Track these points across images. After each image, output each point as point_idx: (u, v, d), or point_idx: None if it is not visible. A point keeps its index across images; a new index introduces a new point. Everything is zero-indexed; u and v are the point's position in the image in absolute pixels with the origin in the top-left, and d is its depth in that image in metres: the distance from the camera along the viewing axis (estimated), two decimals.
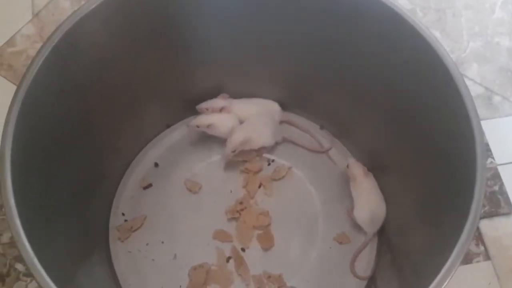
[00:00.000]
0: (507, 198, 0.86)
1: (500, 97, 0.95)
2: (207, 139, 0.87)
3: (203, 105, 0.85)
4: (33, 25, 0.97)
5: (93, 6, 0.62)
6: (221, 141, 0.84)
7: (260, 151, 0.86)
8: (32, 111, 0.58)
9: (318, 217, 0.83)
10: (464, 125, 0.59)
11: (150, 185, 0.85)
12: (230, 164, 0.86)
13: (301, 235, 0.82)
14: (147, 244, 0.80)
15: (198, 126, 0.83)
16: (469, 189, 0.56)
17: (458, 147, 0.61)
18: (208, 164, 0.86)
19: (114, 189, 0.84)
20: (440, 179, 0.66)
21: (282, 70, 0.83)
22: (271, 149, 0.87)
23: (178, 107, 0.87)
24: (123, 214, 0.82)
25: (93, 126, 0.73)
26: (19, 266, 0.79)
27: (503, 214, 0.85)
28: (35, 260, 0.52)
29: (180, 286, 0.78)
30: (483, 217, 0.85)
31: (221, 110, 0.84)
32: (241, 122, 0.85)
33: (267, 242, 0.80)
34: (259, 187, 0.85)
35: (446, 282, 0.53)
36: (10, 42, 0.96)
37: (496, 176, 0.88)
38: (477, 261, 0.82)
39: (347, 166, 0.81)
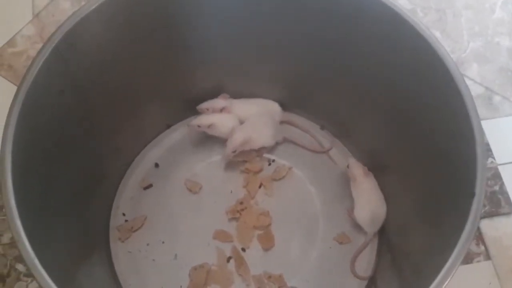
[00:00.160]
0: (508, 198, 0.86)
1: (500, 97, 0.95)
2: (208, 139, 0.87)
3: (203, 105, 0.85)
4: (34, 26, 0.98)
5: (94, 7, 0.63)
6: (222, 141, 0.85)
7: (260, 151, 0.86)
8: (33, 111, 0.59)
9: (319, 217, 0.83)
10: (465, 125, 0.59)
11: (150, 185, 0.85)
12: (230, 164, 0.86)
13: (302, 235, 0.82)
14: (147, 244, 0.80)
15: (199, 126, 0.83)
16: (470, 189, 0.56)
17: (458, 147, 0.61)
18: (209, 164, 0.86)
19: (115, 189, 0.84)
20: (440, 179, 0.66)
21: (282, 70, 0.83)
22: (271, 149, 0.87)
23: (179, 107, 0.87)
24: (123, 214, 0.83)
25: (93, 127, 0.73)
26: (20, 267, 0.79)
27: (504, 214, 0.85)
28: (36, 261, 0.52)
29: (181, 286, 0.78)
30: (483, 217, 0.85)
31: (221, 110, 0.84)
32: (241, 122, 0.85)
33: (267, 242, 0.81)
34: (260, 187, 0.85)
35: (446, 282, 0.53)
36: (11, 42, 0.96)
37: (497, 176, 0.88)
38: (478, 261, 0.82)
39: (348, 166, 0.81)
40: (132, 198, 0.84)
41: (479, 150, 0.57)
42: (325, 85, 0.82)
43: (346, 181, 0.83)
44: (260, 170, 0.86)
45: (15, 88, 0.58)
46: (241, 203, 0.83)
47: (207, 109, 0.84)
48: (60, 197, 0.66)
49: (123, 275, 0.78)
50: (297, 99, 0.88)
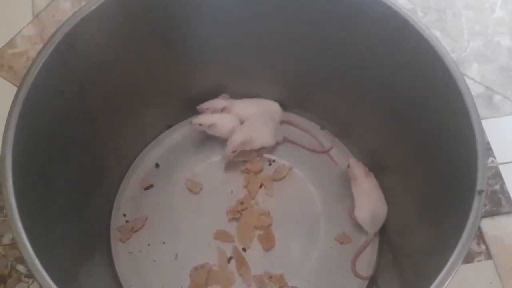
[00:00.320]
0: (508, 197, 0.86)
1: (500, 96, 0.95)
2: (208, 140, 0.87)
3: (204, 105, 0.85)
4: (34, 27, 0.98)
5: (94, 7, 0.63)
6: (222, 141, 0.85)
7: (260, 151, 0.86)
8: (33, 112, 0.59)
9: (319, 217, 0.83)
10: (465, 124, 0.59)
11: (151, 186, 0.85)
12: (230, 165, 0.86)
13: (302, 235, 0.82)
14: (148, 245, 0.80)
15: (200, 125, 0.83)
16: (470, 188, 0.56)
17: (459, 146, 0.61)
18: (209, 164, 0.86)
19: (115, 190, 0.84)
20: (441, 179, 0.66)
21: (282, 70, 0.83)
22: (271, 149, 0.87)
23: (179, 108, 0.87)
24: (124, 215, 0.83)
25: (93, 127, 0.73)
26: (21, 268, 0.79)
27: (504, 213, 0.85)
28: (36, 261, 0.52)
29: (182, 287, 0.78)
30: (484, 216, 0.85)
31: (222, 110, 0.84)
32: (241, 122, 0.85)
33: (268, 242, 0.81)
34: (260, 187, 0.85)
35: (447, 282, 0.53)
36: (11, 43, 0.96)
37: (497, 175, 0.88)
38: (479, 260, 0.82)
39: (348, 166, 0.81)
40: (132, 199, 0.84)
41: (479, 150, 0.57)
42: (325, 85, 0.82)
43: (346, 181, 0.83)
44: (261, 170, 0.86)
45: (15, 89, 0.58)
46: (242, 203, 0.83)
47: (207, 109, 0.84)
48: (61, 198, 0.66)
49: (124, 275, 0.78)
50: (297, 99, 0.88)
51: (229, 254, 0.80)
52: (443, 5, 1.03)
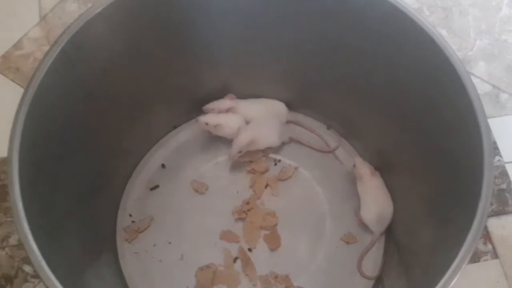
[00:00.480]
0: None
1: (507, 95, 0.95)
2: (214, 140, 0.87)
3: (209, 106, 0.85)
4: (40, 28, 0.98)
5: (100, 9, 0.63)
6: (228, 141, 0.85)
7: (266, 151, 0.86)
8: (40, 113, 0.59)
9: (325, 217, 0.83)
10: (471, 123, 0.59)
11: (157, 186, 0.85)
12: (236, 165, 0.86)
13: (308, 235, 0.82)
14: (154, 245, 0.81)
15: (207, 124, 0.83)
16: (477, 187, 0.56)
17: (465, 145, 0.60)
18: (215, 164, 0.87)
19: (121, 190, 0.85)
20: (447, 178, 0.66)
21: (288, 71, 0.83)
22: (277, 149, 0.87)
23: (185, 108, 0.88)
24: (130, 215, 0.83)
25: (100, 128, 0.73)
26: (27, 268, 0.79)
27: (511, 213, 0.85)
28: (43, 262, 0.52)
29: (187, 287, 0.78)
30: (490, 215, 0.84)
31: (227, 110, 0.84)
32: (247, 122, 0.85)
33: (274, 243, 0.81)
34: (266, 187, 0.85)
35: (453, 281, 0.53)
36: (18, 45, 0.97)
37: (504, 174, 0.87)
38: (485, 260, 0.82)
39: (354, 166, 0.81)
40: (138, 199, 0.84)
41: (486, 148, 0.57)
42: (331, 85, 0.82)
43: (352, 180, 0.83)
44: (266, 170, 0.86)
45: (22, 90, 0.58)
46: (248, 203, 0.83)
47: (213, 110, 0.84)
48: (67, 199, 0.66)
49: (130, 275, 0.79)
50: (303, 99, 0.88)
51: (235, 254, 0.80)
52: (449, 3, 1.02)
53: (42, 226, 0.56)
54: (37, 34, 0.98)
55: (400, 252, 0.76)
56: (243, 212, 0.82)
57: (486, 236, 0.83)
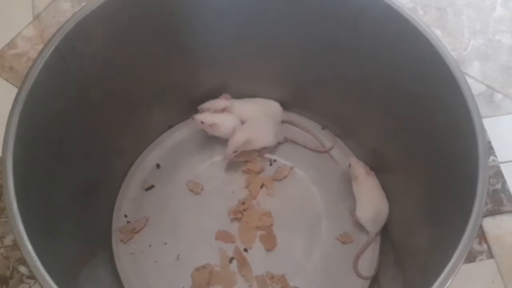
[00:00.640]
0: (510, 196, 0.86)
1: (501, 95, 0.95)
2: (209, 140, 0.87)
3: (205, 105, 0.85)
4: (34, 27, 0.98)
5: (94, 8, 0.63)
6: (223, 141, 0.84)
7: (261, 151, 0.86)
8: (34, 113, 0.59)
9: (321, 217, 0.83)
10: (466, 123, 0.59)
11: (152, 187, 0.85)
12: (232, 165, 0.86)
13: (304, 235, 0.82)
14: (150, 246, 0.80)
15: (202, 122, 0.83)
16: (472, 187, 0.56)
17: (460, 145, 0.61)
18: (210, 165, 0.86)
19: (116, 190, 0.84)
20: (442, 178, 0.66)
21: (283, 70, 0.83)
22: (272, 149, 0.87)
23: (180, 108, 0.87)
24: (125, 216, 0.82)
25: (94, 128, 0.73)
26: (22, 269, 0.79)
27: (506, 212, 0.85)
28: (38, 263, 0.52)
29: (183, 287, 0.78)
30: (486, 215, 0.85)
31: (223, 110, 0.84)
32: (242, 122, 0.85)
33: (269, 243, 0.80)
34: (261, 187, 0.85)
35: (449, 281, 0.53)
36: (11, 44, 0.96)
37: (499, 174, 0.88)
38: (481, 259, 0.82)
39: (349, 166, 0.81)
40: (134, 199, 0.84)
41: (480, 148, 0.57)
42: (326, 85, 0.82)
43: (348, 180, 0.83)
44: (262, 170, 0.86)
45: (16, 90, 0.58)
46: (243, 203, 0.83)
47: (208, 109, 0.84)
48: (62, 199, 0.66)
49: (125, 276, 0.78)
50: (298, 99, 0.88)
51: (230, 255, 0.80)
52: (443, 3, 1.03)
53: (37, 227, 0.55)
54: (31, 33, 0.97)
55: (395, 252, 0.76)
56: (239, 212, 0.82)
57: (482, 236, 0.83)
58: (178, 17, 0.71)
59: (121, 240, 0.80)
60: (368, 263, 0.80)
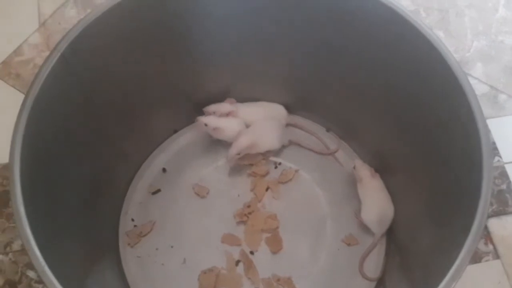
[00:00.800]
0: None
1: (505, 96, 0.95)
2: (214, 144, 0.87)
3: (210, 108, 0.85)
4: (40, 34, 0.98)
5: (99, 15, 0.63)
6: (228, 145, 0.84)
7: (266, 154, 0.86)
8: (40, 119, 0.59)
9: (326, 219, 0.83)
10: (470, 124, 0.59)
11: (158, 190, 0.85)
12: (237, 168, 0.86)
13: (309, 238, 0.82)
14: (156, 249, 0.81)
15: (206, 125, 0.83)
16: (476, 188, 0.56)
17: (464, 146, 0.61)
18: (216, 168, 0.87)
19: (123, 195, 0.85)
20: (447, 179, 0.66)
21: (288, 74, 0.83)
22: (277, 152, 0.87)
23: (185, 112, 0.88)
24: (132, 220, 0.83)
25: (100, 133, 0.74)
26: (31, 273, 0.79)
27: (511, 213, 0.85)
28: (46, 268, 0.52)
29: None
30: (491, 216, 0.84)
31: (228, 114, 0.84)
32: (247, 126, 0.85)
33: (275, 245, 0.81)
34: (267, 190, 0.85)
35: (455, 282, 0.53)
36: (18, 51, 0.97)
37: (504, 175, 0.88)
38: (486, 260, 0.82)
39: (354, 168, 0.82)
40: (140, 203, 0.84)
41: (485, 149, 0.57)
42: (330, 87, 0.82)
43: (352, 182, 0.83)
44: (267, 173, 0.86)
45: (22, 96, 0.58)
46: (249, 206, 0.83)
47: (214, 112, 0.85)
48: (69, 204, 0.67)
49: (132, 280, 0.79)
50: (302, 101, 0.89)
51: (237, 258, 0.80)
52: (446, 5, 1.03)
53: (44, 231, 0.56)
54: (37, 40, 0.98)
55: (401, 253, 0.76)
56: (244, 215, 0.82)
57: (487, 237, 0.83)
58: (181, 24, 0.71)
59: (128, 244, 0.81)
60: (374, 265, 0.80)
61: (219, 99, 0.86)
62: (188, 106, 0.86)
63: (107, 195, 0.80)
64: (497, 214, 0.85)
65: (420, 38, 0.62)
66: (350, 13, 0.68)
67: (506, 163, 0.88)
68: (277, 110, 0.88)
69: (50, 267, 0.52)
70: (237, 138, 0.82)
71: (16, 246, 0.81)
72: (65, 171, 0.65)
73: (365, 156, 0.86)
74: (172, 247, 0.81)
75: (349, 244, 0.81)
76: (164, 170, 0.87)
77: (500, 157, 0.89)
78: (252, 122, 0.85)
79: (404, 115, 0.74)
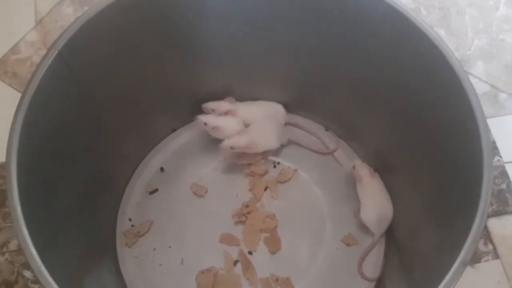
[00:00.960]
0: None
1: (506, 95, 0.94)
2: (213, 143, 0.87)
3: (209, 105, 0.84)
4: (37, 32, 0.98)
5: (96, 12, 0.63)
6: None
7: (265, 153, 0.86)
8: (38, 118, 0.59)
9: (325, 219, 0.83)
10: (470, 123, 0.59)
11: (156, 190, 0.85)
12: (235, 168, 0.86)
13: (308, 238, 0.81)
14: (154, 249, 0.80)
15: (205, 124, 0.82)
16: (476, 188, 0.56)
17: (464, 145, 0.60)
18: (214, 168, 0.86)
19: (121, 194, 0.84)
20: (447, 178, 0.65)
21: (287, 73, 0.83)
22: (276, 151, 0.87)
23: (183, 112, 0.87)
24: (130, 220, 0.83)
25: (98, 132, 0.73)
26: (27, 273, 0.79)
27: (511, 212, 0.85)
28: (43, 268, 0.52)
29: None
30: (491, 215, 0.84)
31: (226, 113, 0.84)
32: (246, 125, 0.85)
33: (274, 245, 0.80)
34: (265, 190, 0.84)
35: (455, 282, 0.53)
36: (14, 49, 0.96)
37: (504, 174, 0.87)
38: (486, 260, 0.81)
39: (353, 167, 0.81)
40: (138, 203, 0.84)
41: (485, 149, 0.57)
42: (329, 86, 0.81)
43: (352, 182, 0.83)
44: (265, 173, 0.85)
45: (19, 95, 0.58)
46: (247, 206, 0.82)
47: (213, 110, 0.84)
48: (66, 203, 0.66)
49: (130, 280, 0.78)
50: (301, 101, 0.88)
51: (235, 258, 0.80)
52: (446, 3, 1.02)
53: (41, 231, 0.55)
54: (34, 38, 0.97)
55: (400, 253, 0.76)
56: (243, 215, 0.82)
57: (487, 237, 0.83)
58: (180, 21, 0.71)
59: (126, 244, 0.80)
60: (373, 265, 0.80)
61: (218, 98, 0.85)
62: (186, 105, 0.86)
63: (105, 194, 0.79)
64: (497, 214, 0.84)
65: (421, 36, 0.62)
66: (349, 11, 0.67)
67: (506, 162, 0.88)
68: (276, 109, 0.88)
69: (47, 267, 0.52)
70: (236, 135, 0.81)
71: (12, 246, 0.81)
72: (62, 170, 0.65)
73: (364, 156, 0.86)
74: (170, 247, 0.81)
75: (348, 244, 0.81)
76: (162, 169, 0.87)
77: (500, 156, 0.88)
78: (251, 121, 0.85)
79: (404, 115, 0.73)
